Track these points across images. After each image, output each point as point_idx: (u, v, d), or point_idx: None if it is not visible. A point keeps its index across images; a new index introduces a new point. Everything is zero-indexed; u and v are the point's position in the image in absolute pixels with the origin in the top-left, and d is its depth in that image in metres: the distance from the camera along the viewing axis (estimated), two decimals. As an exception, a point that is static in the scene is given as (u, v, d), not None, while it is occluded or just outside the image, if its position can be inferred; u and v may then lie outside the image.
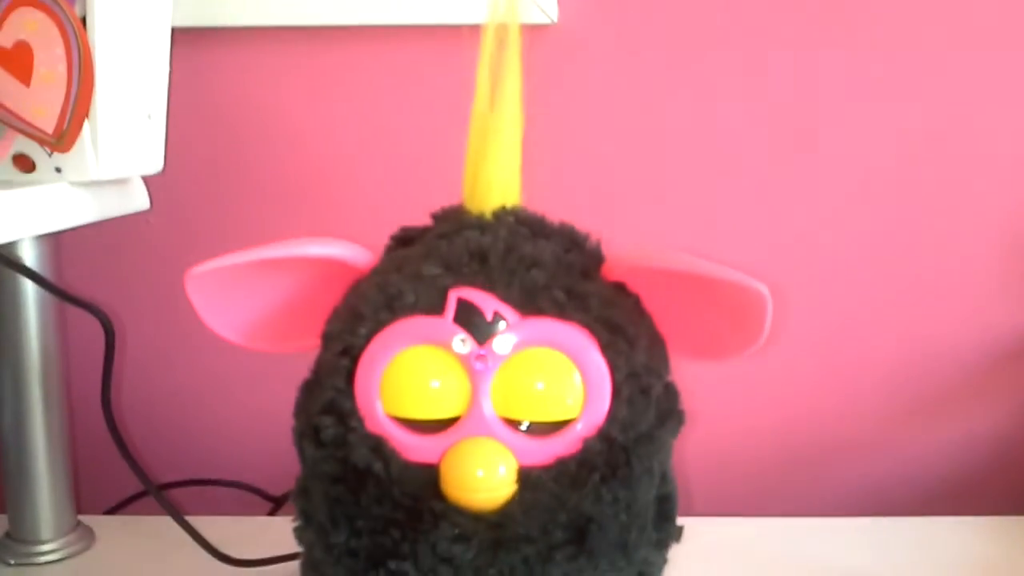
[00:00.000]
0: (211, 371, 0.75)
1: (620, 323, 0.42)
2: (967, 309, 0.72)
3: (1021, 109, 0.69)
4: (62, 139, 0.52)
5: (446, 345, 0.41)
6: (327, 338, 0.44)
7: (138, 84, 0.57)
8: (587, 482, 0.41)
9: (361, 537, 0.41)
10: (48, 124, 0.52)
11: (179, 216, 0.73)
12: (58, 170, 0.54)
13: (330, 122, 0.72)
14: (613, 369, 0.42)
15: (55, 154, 0.54)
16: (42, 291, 0.61)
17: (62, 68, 0.51)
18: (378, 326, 0.42)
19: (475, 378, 0.41)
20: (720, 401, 0.73)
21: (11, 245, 0.60)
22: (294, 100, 0.72)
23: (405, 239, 0.47)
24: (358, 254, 0.46)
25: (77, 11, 0.52)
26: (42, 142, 0.53)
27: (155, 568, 0.62)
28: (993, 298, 0.72)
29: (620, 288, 0.45)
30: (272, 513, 0.74)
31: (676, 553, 0.46)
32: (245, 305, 0.47)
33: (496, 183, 0.45)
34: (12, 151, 0.54)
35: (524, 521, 0.40)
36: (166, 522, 0.62)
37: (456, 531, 0.40)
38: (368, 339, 0.42)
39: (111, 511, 0.73)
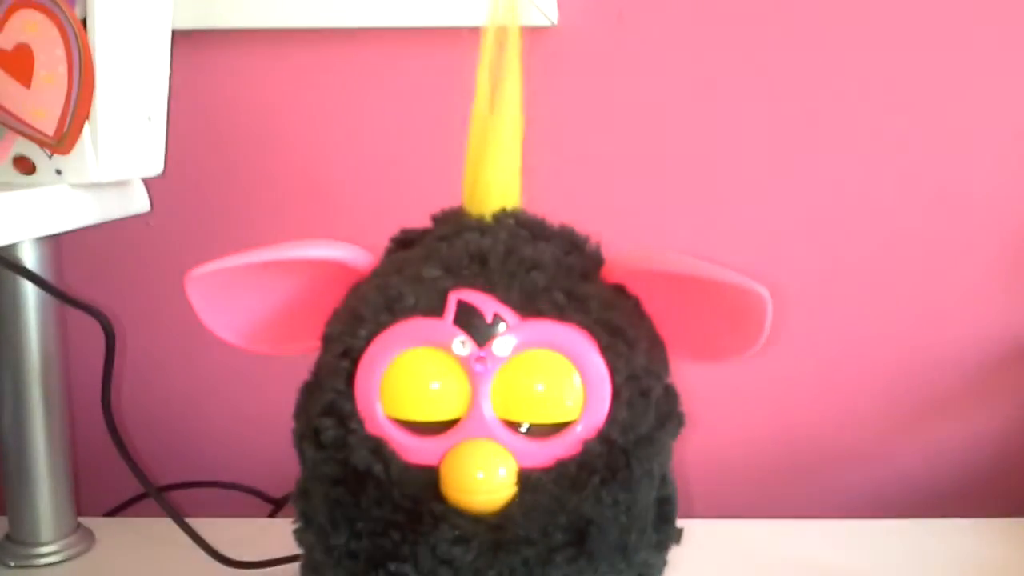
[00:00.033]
0: (211, 373, 0.75)
1: (620, 325, 0.42)
2: (968, 314, 0.72)
3: (1023, 114, 0.69)
4: (62, 141, 0.52)
5: (446, 347, 0.41)
6: (327, 340, 0.44)
7: (138, 86, 0.57)
8: (587, 484, 0.41)
9: (361, 539, 0.41)
10: (48, 126, 0.52)
11: (179, 218, 0.73)
12: (58, 172, 0.54)
13: (331, 124, 0.72)
14: (613, 371, 0.42)
15: (55, 156, 0.54)
16: (42, 293, 0.61)
17: (62, 70, 0.51)
18: (378, 328, 0.42)
19: (475, 380, 0.41)
20: (720, 403, 0.73)
21: (11, 247, 0.60)
22: (296, 103, 0.72)
23: (405, 241, 0.47)
24: (358, 256, 0.46)
25: (77, 13, 0.52)
26: (42, 144, 0.53)
27: (155, 570, 0.62)
28: (994, 304, 0.72)
29: (620, 290, 0.45)
30: (272, 515, 0.74)
31: (676, 555, 0.46)
32: (245, 307, 0.47)
33: (496, 185, 0.45)
34: (12, 153, 0.54)
35: (524, 523, 0.40)
36: (166, 524, 0.62)
37: (456, 533, 0.40)
38: (368, 341, 0.42)
39: (111, 513, 0.73)
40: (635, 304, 0.45)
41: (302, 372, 0.46)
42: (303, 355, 0.46)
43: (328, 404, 0.42)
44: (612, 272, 0.45)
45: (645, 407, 0.42)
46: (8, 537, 0.64)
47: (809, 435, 0.74)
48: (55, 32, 0.51)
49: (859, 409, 0.74)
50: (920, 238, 0.71)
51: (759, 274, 0.41)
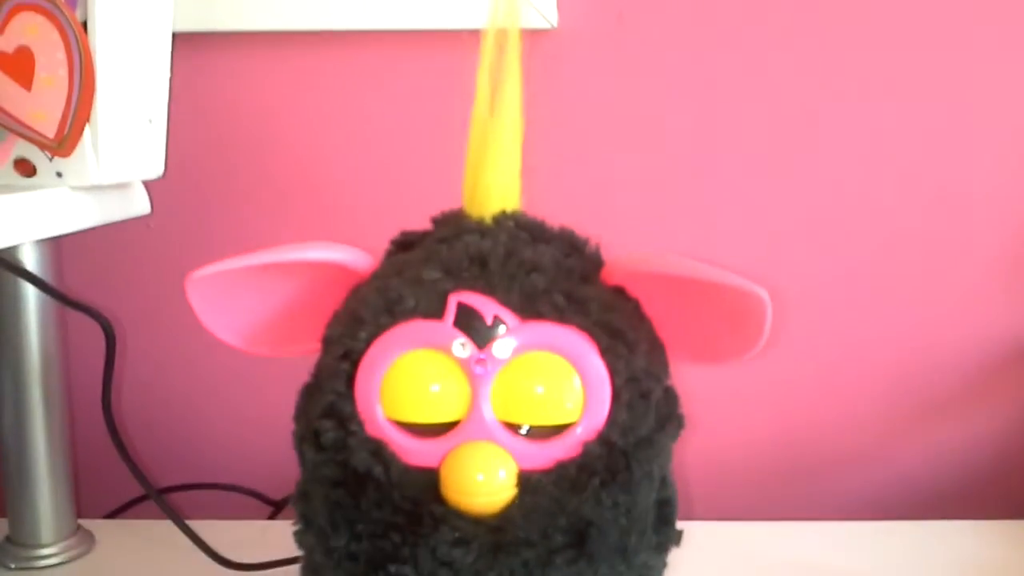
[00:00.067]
0: (211, 375, 0.75)
1: (620, 327, 0.42)
2: (968, 315, 0.72)
3: (1023, 114, 0.69)
4: (63, 143, 0.52)
5: (446, 349, 0.41)
6: (327, 342, 0.44)
7: (139, 88, 0.57)
8: (587, 486, 0.41)
9: (361, 541, 0.41)
10: (49, 128, 0.52)
11: (180, 220, 0.73)
12: (59, 174, 0.54)
13: (331, 126, 0.72)
14: (613, 373, 0.42)
15: (56, 158, 0.54)
16: (43, 295, 0.61)
17: (63, 72, 0.51)
18: (378, 330, 0.42)
19: (475, 382, 0.41)
20: (720, 405, 0.73)
21: (12, 249, 0.60)
22: (296, 105, 0.72)
23: (405, 243, 0.47)
24: (358, 258, 0.46)
25: (78, 15, 0.52)
26: (43, 146, 0.53)
27: (155, 572, 0.62)
28: (994, 305, 0.72)
29: (620, 292, 0.45)
30: (272, 517, 0.74)
31: (676, 557, 0.46)
32: (246, 309, 0.47)
33: (496, 188, 0.45)
34: (13, 155, 0.54)
35: (524, 525, 0.40)
36: (166, 526, 0.62)
37: (456, 535, 0.40)
38: (368, 343, 0.42)
39: (111, 515, 0.73)
40: (635, 306, 0.45)
41: (302, 374, 0.46)
42: (303, 357, 0.46)
43: (328, 406, 0.42)
44: (612, 274, 0.45)
45: (645, 409, 0.42)
46: (8, 539, 0.64)
47: (809, 437, 0.74)
48: (56, 35, 0.51)
49: (859, 411, 0.74)
50: (920, 239, 0.71)
51: (759, 276, 0.42)
